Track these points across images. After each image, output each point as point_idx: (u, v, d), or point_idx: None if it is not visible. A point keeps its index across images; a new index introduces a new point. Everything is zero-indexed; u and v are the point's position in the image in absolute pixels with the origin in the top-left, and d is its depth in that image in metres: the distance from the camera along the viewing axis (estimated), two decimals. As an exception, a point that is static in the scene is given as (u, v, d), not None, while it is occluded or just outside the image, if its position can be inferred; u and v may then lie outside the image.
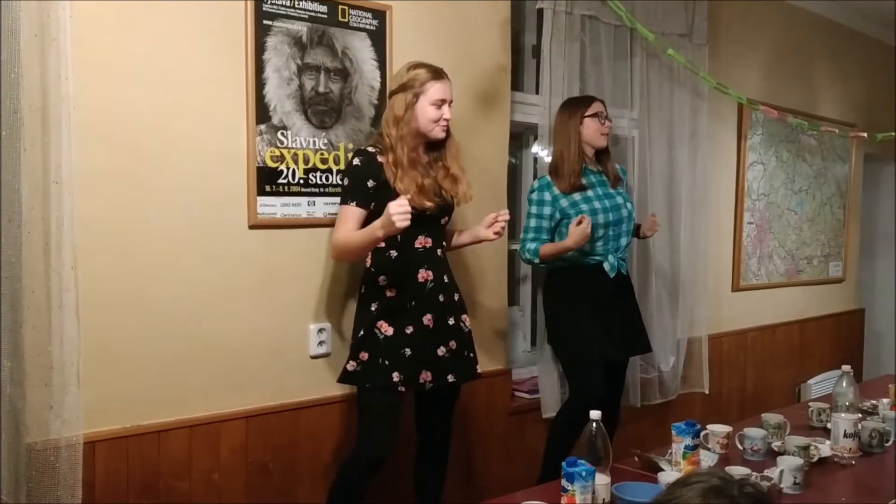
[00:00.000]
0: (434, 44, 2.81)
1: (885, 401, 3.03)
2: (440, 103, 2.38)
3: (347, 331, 2.60)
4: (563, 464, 1.83)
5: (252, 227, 2.40)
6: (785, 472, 2.12)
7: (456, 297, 2.52)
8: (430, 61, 2.56)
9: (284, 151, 2.44)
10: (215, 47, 2.30)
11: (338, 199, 2.49)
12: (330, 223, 2.52)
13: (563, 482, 1.82)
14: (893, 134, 3.57)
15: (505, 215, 2.51)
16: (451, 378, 2.46)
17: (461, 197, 2.50)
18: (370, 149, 2.40)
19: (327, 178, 2.54)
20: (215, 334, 2.34)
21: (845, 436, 2.37)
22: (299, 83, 2.46)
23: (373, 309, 2.38)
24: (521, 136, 3.43)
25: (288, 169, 2.45)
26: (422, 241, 2.43)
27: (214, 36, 2.29)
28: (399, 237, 2.33)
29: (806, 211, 4.83)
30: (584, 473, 1.81)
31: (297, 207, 2.48)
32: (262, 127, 2.39)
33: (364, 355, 2.35)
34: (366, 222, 2.33)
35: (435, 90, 2.38)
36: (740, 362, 4.36)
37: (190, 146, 2.26)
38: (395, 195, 2.25)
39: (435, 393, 2.47)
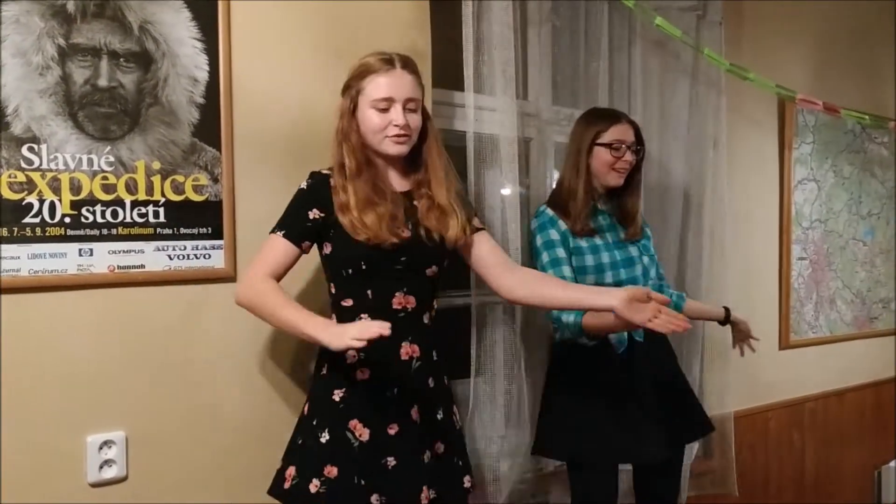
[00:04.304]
0: (306, 15, 1.96)
1: None
2: (385, 104, 1.69)
3: (153, 439, 1.75)
4: None
5: (-23, 291, 1.57)
6: None
7: (445, 381, 1.85)
8: (299, 41, 1.94)
9: (34, 175, 1.61)
10: None
11: (136, 245, 1.73)
12: (123, 281, 1.71)
13: None
14: None
15: None
16: (434, 493, 1.72)
17: (451, 237, 1.77)
18: (325, 171, 1.75)
19: (115, 215, 1.69)
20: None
21: None
22: (62, 73, 1.63)
23: (337, 399, 1.69)
24: (478, 151, 2.45)
25: (42, 202, 1.62)
26: (400, 301, 1.73)
27: None
28: (370, 292, 1.70)
29: (878, 241, 3.77)
30: None
31: (60, 259, 1.64)
32: (-6, 139, 1.57)
33: (332, 470, 1.65)
34: (324, 267, 1.76)
35: (374, 87, 1.69)
36: (795, 444, 3.31)
37: None
38: (345, 234, 1.66)
39: None
